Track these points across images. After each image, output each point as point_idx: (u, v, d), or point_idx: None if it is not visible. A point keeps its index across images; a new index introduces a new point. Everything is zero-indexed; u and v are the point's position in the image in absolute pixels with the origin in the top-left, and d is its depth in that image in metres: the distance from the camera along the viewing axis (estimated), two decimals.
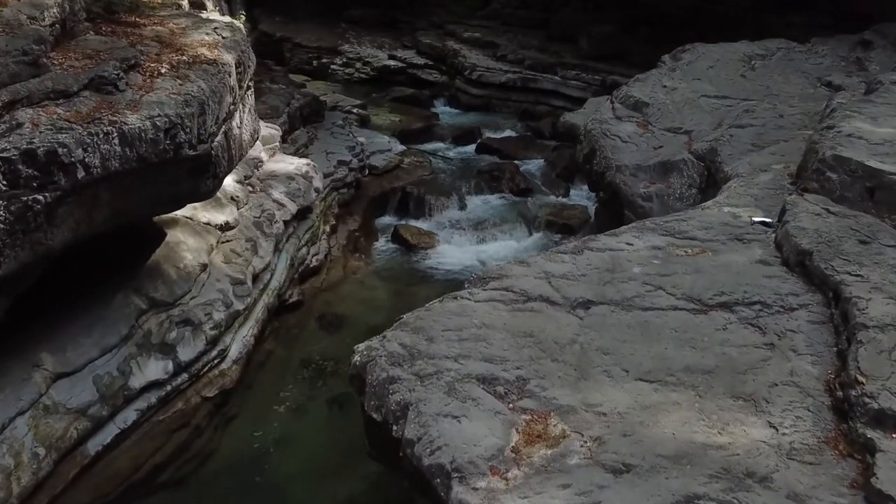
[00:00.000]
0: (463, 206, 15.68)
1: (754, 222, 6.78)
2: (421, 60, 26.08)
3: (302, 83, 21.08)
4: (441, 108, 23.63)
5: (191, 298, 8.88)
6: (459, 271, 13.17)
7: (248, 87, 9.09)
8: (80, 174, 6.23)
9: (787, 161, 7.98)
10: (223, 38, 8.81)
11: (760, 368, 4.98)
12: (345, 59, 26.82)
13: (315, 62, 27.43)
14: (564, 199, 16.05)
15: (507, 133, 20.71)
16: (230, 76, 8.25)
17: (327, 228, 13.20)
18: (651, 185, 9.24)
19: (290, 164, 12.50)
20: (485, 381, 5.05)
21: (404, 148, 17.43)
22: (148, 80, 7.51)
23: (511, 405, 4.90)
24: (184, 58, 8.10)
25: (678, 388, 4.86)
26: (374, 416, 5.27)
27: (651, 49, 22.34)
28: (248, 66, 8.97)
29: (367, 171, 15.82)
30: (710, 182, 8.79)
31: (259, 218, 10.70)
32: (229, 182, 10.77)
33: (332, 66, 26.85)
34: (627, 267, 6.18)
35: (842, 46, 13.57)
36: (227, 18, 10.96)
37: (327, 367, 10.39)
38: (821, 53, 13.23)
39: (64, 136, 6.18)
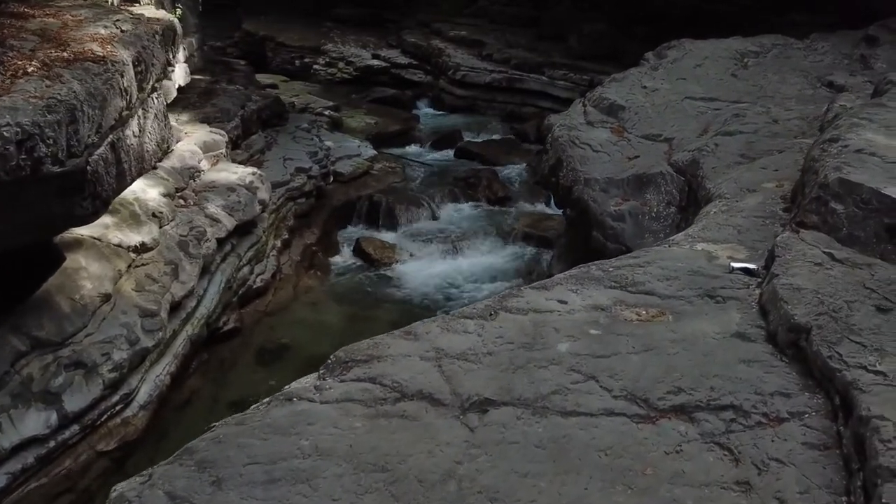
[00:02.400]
0: (434, 217, 14.26)
1: (734, 269, 4.97)
2: (405, 60, 24.64)
3: (273, 83, 19.74)
4: (423, 110, 22.22)
5: (86, 336, 7.45)
6: (423, 290, 11.78)
7: (155, 89, 7.66)
8: None
9: (780, 178, 6.48)
10: (122, 31, 7.39)
11: None
12: (328, 59, 25.42)
13: (297, 62, 26.05)
14: (545, 209, 14.61)
15: (489, 136, 19.27)
16: (122, 76, 6.82)
17: (278, 243, 11.78)
18: (624, 202, 7.80)
19: (234, 173, 11.07)
20: None
21: (375, 153, 16.01)
22: (7, 81, 6.10)
23: None
24: (64, 54, 6.68)
25: None
26: None
27: (646, 48, 20.97)
28: (153, 65, 7.55)
29: (331, 179, 14.40)
30: (692, 199, 7.34)
31: (186, 237, 9.27)
32: (153, 196, 9.37)
33: (314, 66, 25.48)
34: (553, 341, 4.29)
35: (844, 43, 12.08)
36: (149, 11, 9.55)
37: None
38: (821, 51, 11.74)
39: None
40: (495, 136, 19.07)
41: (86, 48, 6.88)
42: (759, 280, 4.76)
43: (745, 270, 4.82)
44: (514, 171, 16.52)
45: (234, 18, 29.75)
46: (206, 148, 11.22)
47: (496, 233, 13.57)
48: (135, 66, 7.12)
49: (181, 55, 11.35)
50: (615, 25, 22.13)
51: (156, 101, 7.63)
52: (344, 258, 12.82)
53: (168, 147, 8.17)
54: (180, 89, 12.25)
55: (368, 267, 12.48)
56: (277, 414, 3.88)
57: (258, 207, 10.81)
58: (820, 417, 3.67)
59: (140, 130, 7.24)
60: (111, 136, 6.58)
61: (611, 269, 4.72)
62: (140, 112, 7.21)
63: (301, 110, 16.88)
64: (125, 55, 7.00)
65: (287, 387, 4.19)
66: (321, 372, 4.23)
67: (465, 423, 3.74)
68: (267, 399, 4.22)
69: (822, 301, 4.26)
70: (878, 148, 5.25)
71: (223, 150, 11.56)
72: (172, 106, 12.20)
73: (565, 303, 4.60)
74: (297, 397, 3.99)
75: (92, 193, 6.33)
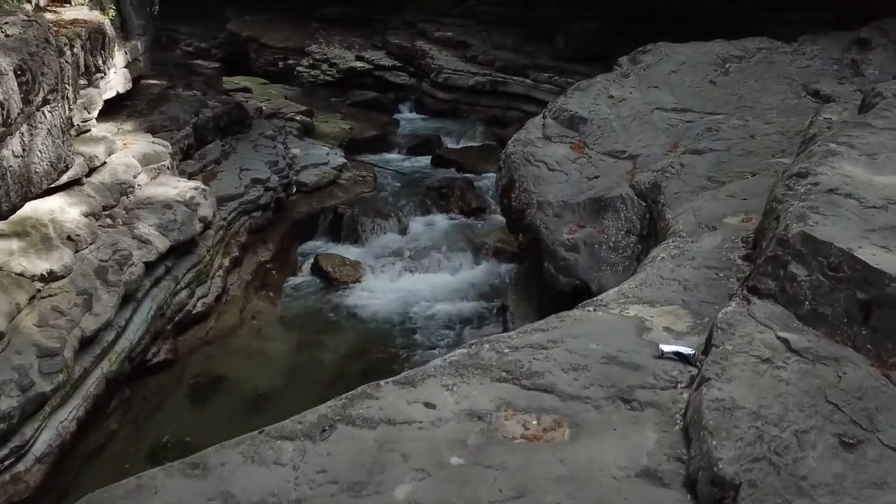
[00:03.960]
0: (403, 230, 13.28)
1: (664, 353, 3.69)
2: (389, 62, 23.69)
3: (246, 87, 18.80)
4: (405, 114, 21.26)
5: None
6: (383, 313, 10.79)
7: (48, 102, 6.68)
8: None
9: (747, 210, 5.43)
10: (6, 36, 6.42)
11: None
12: (311, 61, 24.48)
13: (281, 63, 25.13)
14: None
15: (470, 142, 18.29)
16: None
17: (226, 262, 10.80)
18: (578, 230, 6.80)
19: (174, 188, 10.10)
20: None
21: (345, 161, 15.00)
22: None
23: None
24: None
25: None
26: None
27: (634, 49, 20.01)
28: (43, 74, 6.55)
29: (294, 189, 13.44)
30: (653, 229, 6.34)
31: (106, 262, 8.30)
32: (72, 216, 8.41)
33: (298, 68, 24.55)
34: (393, 478, 3.00)
35: (834, 46, 11.03)
36: (80, 12, 8.62)
37: (187, 449, 8.01)
38: (809, 55, 10.69)
39: None
40: (474, 143, 18.05)
41: None
42: (692, 373, 3.54)
43: (679, 356, 3.66)
44: (490, 180, 15.49)
45: (221, 18, 28.81)
46: (146, 160, 10.25)
47: (466, 248, 12.59)
48: (17, 76, 6.14)
49: (120, 59, 10.39)
50: (605, 24, 21.13)
51: (49, 115, 6.65)
52: (301, 276, 11.84)
53: (66, 166, 7.18)
54: (125, 96, 11.31)
55: (326, 286, 11.51)
56: None
57: (198, 225, 9.82)
58: None
59: (25, 150, 6.26)
60: None
61: (506, 351, 3.58)
62: (25, 128, 6.23)
63: (270, 116, 15.87)
64: (3, 63, 6.02)
65: None
66: None
67: None
68: None
69: (762, 433, 2.91)
70: (857, 186, 4.07)
71: (166, 163, 10.58)
72: (116, 114, 11.28)
73: (433, 407, 3.35)
74: None
75: None
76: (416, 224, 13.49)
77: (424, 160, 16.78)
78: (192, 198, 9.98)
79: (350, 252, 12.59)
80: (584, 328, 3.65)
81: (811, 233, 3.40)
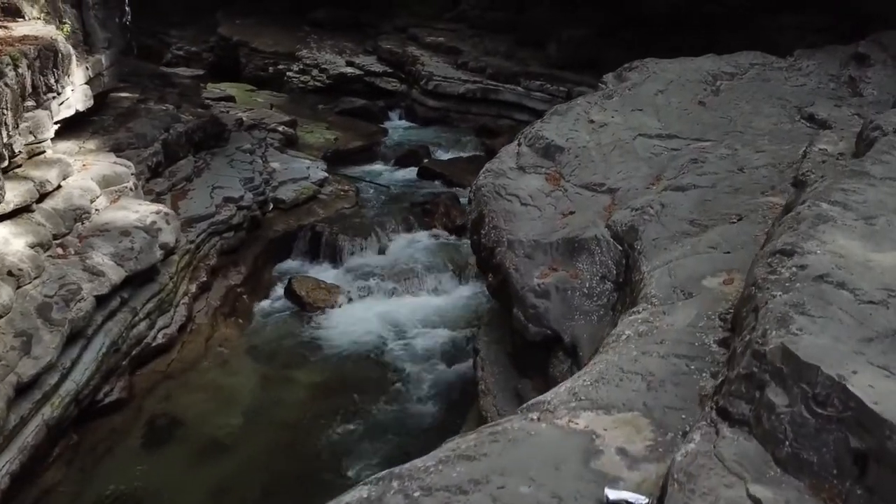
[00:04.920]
0: (383, 249, 12.65)
1: (609, 502, 2.82)
2: (380, 68, 23.04)
3: (229, 96, 18.17)
4: (395, 122, 20.62)
5: None
6: (358, 342, 10.18)
7: None
8: None
9: (729, 269, 4.69)
10: None
11: None
12: (301, 66, 23.84)
13: (271, 69, 24.51)
14: None
15: (459, 153, 17.65)
16: None
17: (193, 288, 10.18)
18: (550, 273, 6.16)
19: (135, 212, 9.47)
20: None
21: (326, 175, 14.36)
22: None
23: None
24: None
25: None
26: None
27: (629, 55, 19.30)
28: None
29: (270, 207, 12.83)
30: (629, 277, 5.70)
31: (51, 298, 7.68)
32: (16, 248, 7.79)
33: (287, 73, 23.92)
34: None
35: (831, 61, 10.37)
36: (34, 27, 8.01)
37: (138, 501, 7.43)
38: (804, 71, 10.03)
39: None
40: (463, 154, 17.41)
41: None
42: None
43: None
44: None
45: (212, 21, 28.16)
46: (106, 182, 9.63)
47: (449, 268, 11.97)
48: None
49: (79, 76, 9.76)
50: (597, 30, 20.50)
51: None
52: (273, 300, 11.22)
53: None
54: (91, 111, 10.69)
55: (299, 312, 10.89)
56: None
57: (159, 253, 9.20)
58: None
59: None
60: None
61: (417, 495, 2.83)
62: None
63: (251, 127, 15.24)
64: None
65: None
66: None
67: None
68: None
69: None
70: (851, 270, 3.29)
71: (128, 184, 9.95)
72: (80, 131, 10.67)
73: None
74: None
75: None
76: (398, 242, 12.86)
77: (411, 172, 16.15)
78: (154, 223, 9.36)
79: (327, 273, 11.98)
80: (519, 454, 2.97)
81: (793, 349, 2.71)
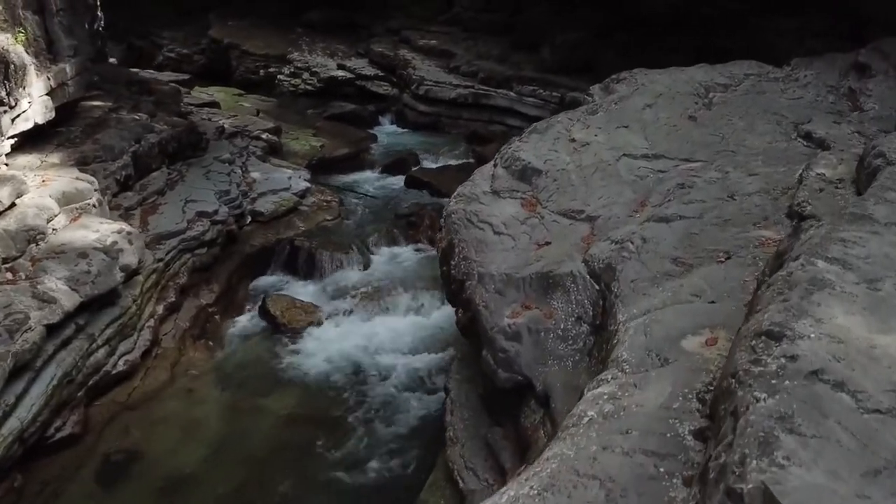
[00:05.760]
0: (365, 264, 12.07)
1: None
2: (372, 71, 22.51)
3: (214, 101, 17.58)
4: (386, 127, 20.05)
5: None
6: (334, 366, 9.60)
7: None
8: None
9: (713, 325, 4.09)
10: None
11: None
12: (293, 69, 23.31)
13: (262, 71, 23.99)
14: None
15: (449, 160, 17.06)
16: None
17: (160, 309, 9.61)
18: (523, 312, 5.57)
19: (95, 231, 8.90)
20: None
21: (308, 185, 13.79)
22: None
23: None
24: None
25: None
26: None
27: (624, 58, 18.72)
28: None
29: (248, 220, 12.26)
30: (605, 321, 5.10)
31: None
32: None
33: (278, 77, 23.42)
34: None
35: (830, 71, 9.75)
36: None
37: None
38: (802, 81, 9.42)
39: None
40: (453, 162, 16.83)
41: None
42: None
43: None
44: None
45: (205, 23, 27.56)
46: (66, 199, 9.06)
47: (432, 285, 11.36)
48: None
49: (39, 87, 9.19)
50: (592, 32, 19.93)
51: None
52: (247, 320, 10.64)
53: None
54: (58, 122, 10.16)
55: (274, 333, 10.31)
56: None
57: (119, 275, 8.64)
58: None
59: None
60: None
61: None
62: None
63: (233, 135, 14.65)
64: None
65: None
66: None
67: None
68: None
69: None
70: (853, 361, 2.65)
71: (91, 200, 9.38)
72: (44, 144, 10.13)
73: None
74: None
75: None
76: (380, 257, 12.28)
77: (398, 181, 15.58)
78: (115, 243, 8.79)
79: (305, 290, 11.41)
80: None
81: (778, 494, 2.14)
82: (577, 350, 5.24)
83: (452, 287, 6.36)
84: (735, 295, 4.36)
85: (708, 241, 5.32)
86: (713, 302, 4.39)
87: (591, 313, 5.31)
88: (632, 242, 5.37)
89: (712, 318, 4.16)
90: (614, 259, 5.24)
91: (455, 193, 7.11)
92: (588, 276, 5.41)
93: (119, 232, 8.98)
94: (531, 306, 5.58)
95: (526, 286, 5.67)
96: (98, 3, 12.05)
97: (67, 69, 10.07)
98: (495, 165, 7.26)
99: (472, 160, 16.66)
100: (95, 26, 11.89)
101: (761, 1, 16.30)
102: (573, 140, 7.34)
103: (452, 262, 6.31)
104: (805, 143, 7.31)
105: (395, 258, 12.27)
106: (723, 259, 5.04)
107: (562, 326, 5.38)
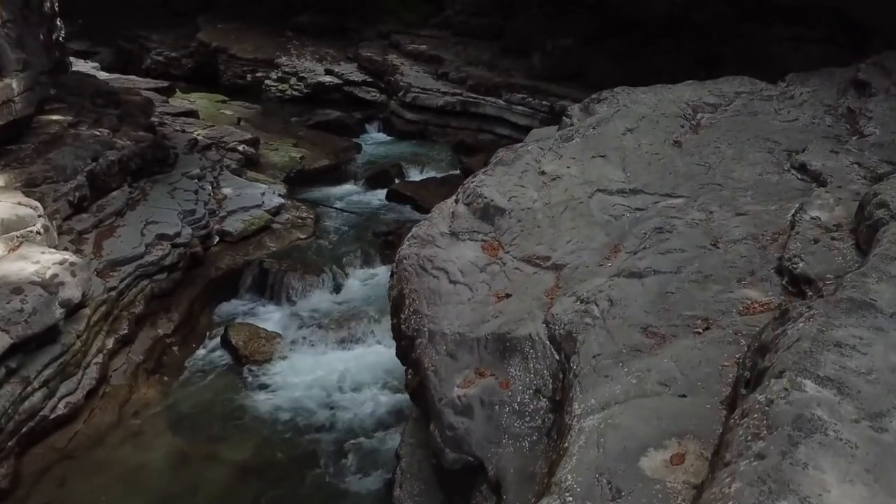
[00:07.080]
0: (337, 288, 11.32)
1: None
2: (360, 77, 21.75)
3: (193, 109, 16.82)
4: (372, 136, 19.29)
5: None
6: (298, 404, 8.90)
7: None
8: None
9: (681, 434, 3.30)
10: None
11: None
12: (280, 74, 22.56)
13: (249, 76, 23.25)
14: None
15: (433, 172, 16.30)
16: None
17: (110, 343, 8.88)
18: (476, 380, 4.81)
19: (34, 262, 8.15)
20: None
21: (283, 201, 13.03)
22: None
23: None
24: None
25: None
26: None
27: (614, 67, 17.94)
28: None
29: (215, 241, 11.51)
30: (564, 398, 4.35)
31: None
32: None
33: (266, 81, 22.67)
34: None
35: (827, 88, 8.97)
36: None
37: None
38: (797, 100, 8.63)
39: None
40: (438, 174, 16.05)
41: None
42: None
43: None
44: None
45: (194, 26, 26.80)
46: (5, 227, 8.33)
47: None
48: None
49: None
50: (584, 38, 19.17)
51: None
52: (208, 351, 9.91)
53: None
54: (9, 139, 9.44)
55: (235, 365, 9.58)
56: None
57: (59, 311, 7.89)
58: None
59: None
60: None
61: None
62: None
63: (207, 147, 13.89)
64: None
65: None
66: None
67: None
68: None
69: None
70: None
71: (35, 227, 8.63)
72: None
73: None
74: None
75: None
76: (354, 279, 11.54)
77: (380, 194, 14.85)
78: (55, 276, 8.04)
79: (273, 316, 10.69)
80: None
81: None
82: (534, 428, 4.50)
83: (402, 343, 5.60)
84: (711, 387, 3.61)
85: (685, 303, 4.56)
86: (684, 395, 3.63)
87: (550, 387, 4.56)
88: (597, 305, 4.61)
89: (681, 422, 3.40)
90: (576, 326, 4.48)
91: (409, 234, 6.34)
92: (548, 342, 4.65)
93: (61, 263, 8.23)
94: (486, 373, 4.83)
95: (481, 348, 4.92)
96: (57, 11, 11.26)
97: (14, 84, 9.33)
98: (456, 202, 6.50)
99: (458, 172, 15.91)
100: (54, 36, 11.11)
101: (757, 7, 15.50)
102: (543, 173, 6.56)
103: (402, 316, 5.55)
104: (799, 176, 6.55)
105: (370, 280, 11.53)
106: (700, 330, 4.28)
107: (518, 399, 4.63)
